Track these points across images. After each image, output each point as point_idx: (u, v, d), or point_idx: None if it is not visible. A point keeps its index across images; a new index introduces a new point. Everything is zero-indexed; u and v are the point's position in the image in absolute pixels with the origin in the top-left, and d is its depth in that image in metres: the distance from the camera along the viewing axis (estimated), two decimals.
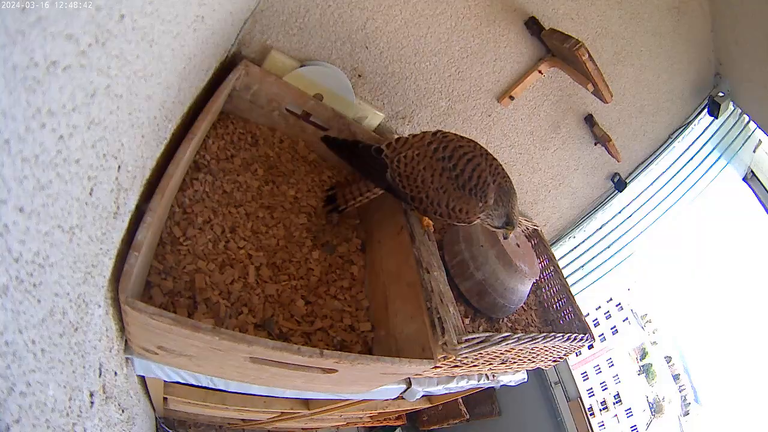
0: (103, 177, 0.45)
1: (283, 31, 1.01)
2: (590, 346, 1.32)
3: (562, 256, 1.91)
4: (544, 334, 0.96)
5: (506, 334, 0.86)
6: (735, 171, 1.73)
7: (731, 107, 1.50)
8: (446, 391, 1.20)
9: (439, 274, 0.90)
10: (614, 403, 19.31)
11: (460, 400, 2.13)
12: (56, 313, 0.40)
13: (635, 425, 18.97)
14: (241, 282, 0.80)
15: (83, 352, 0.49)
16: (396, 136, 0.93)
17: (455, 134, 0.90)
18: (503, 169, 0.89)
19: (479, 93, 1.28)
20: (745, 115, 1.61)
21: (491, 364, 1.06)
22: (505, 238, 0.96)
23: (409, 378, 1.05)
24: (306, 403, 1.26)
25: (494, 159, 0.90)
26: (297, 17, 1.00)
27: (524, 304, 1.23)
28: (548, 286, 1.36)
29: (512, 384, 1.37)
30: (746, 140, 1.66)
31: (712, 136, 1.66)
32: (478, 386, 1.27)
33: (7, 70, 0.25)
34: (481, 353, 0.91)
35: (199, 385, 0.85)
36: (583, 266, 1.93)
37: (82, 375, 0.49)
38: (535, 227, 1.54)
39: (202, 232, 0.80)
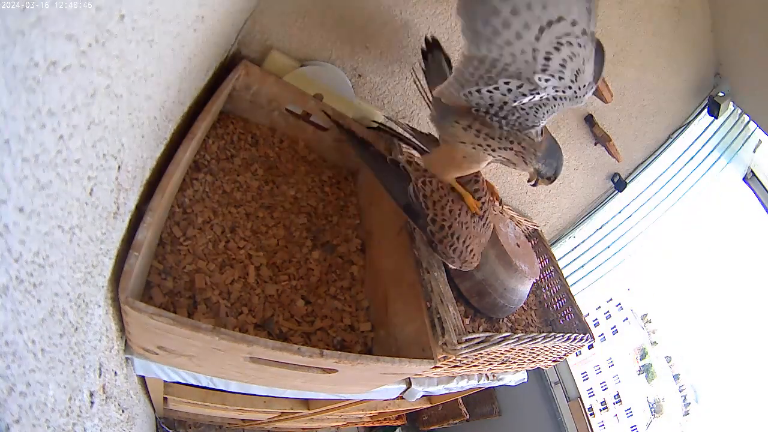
0: (103, 177, 0.45)
1: (283, 31, 1.01)
2: (590, 346, 1.32)
3: (562, 256, 1.91)
4: (544, 334, 0.96)
5: (506, 334, 0.86)
6: (735, 171, 1.73)
7: (731, 107, 1.50)
8: (446, 391, 1.20)
9: (439, 274, 0.90)
10: (614, 403, 19.30)
11: (460, 400, 2.13)
12: (56, 313, 0.40)
13: (635, 425, 18.97)
14: (241, 282, 0.80)
15: (83, 352, 0.49)
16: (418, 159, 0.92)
17: None
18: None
19: None
20: (745, 115, 1.61)
21: (491, 364, 1.06)
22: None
23: (409, 378, 1.04)
24: (306, 403, 1.26)
25: None
26: (297, 17, 1.00)
27: (524, 304, 1.23)
28: (548, 286, 1.36)
29: (512, 384, 1.37)
30: (746, 140, 1.66)
31: (712, 136, 1.66)
32: (478, 386, 1.27)
33: (7, 70, 0.25)
34: (481, 353, 0.90)
35: (199, 385, 0.85)
36: (583, 266, 1.93)
37: (82, 375, 0.49)
38: (535, 227, 1.54)
39: (202, 232, 0.80)
